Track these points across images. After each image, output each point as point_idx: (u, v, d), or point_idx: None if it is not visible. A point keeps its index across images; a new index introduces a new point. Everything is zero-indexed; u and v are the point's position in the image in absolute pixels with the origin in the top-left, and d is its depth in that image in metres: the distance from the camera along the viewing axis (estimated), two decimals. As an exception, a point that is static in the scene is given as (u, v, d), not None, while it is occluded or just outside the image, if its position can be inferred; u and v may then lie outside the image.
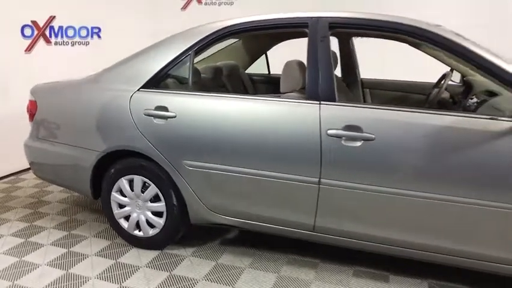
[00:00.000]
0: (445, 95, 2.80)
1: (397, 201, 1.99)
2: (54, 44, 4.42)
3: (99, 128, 2.54)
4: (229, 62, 3.44)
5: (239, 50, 3.60)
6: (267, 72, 3.78)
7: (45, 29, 4.32)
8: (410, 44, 2.53)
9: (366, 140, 1.97)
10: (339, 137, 2.01)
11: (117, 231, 2.70)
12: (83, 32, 4.70)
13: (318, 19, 2.19)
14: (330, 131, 2.02)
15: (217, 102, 2.31)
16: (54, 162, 2.82)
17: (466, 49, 1.93)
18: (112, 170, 2.57)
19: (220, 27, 2.37)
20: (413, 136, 1.93)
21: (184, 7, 5.53)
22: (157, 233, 2.56)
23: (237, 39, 3.46)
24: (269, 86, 3.69)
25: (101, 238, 2.78)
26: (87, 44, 4.75)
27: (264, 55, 3.71)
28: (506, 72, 1.84)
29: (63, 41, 4.51)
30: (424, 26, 2.03)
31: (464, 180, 1.88)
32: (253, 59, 3.71)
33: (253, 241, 2.68)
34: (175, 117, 2.33)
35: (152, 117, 2.37)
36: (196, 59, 2.60)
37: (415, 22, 2.06)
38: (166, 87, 2.48)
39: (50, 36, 4.38)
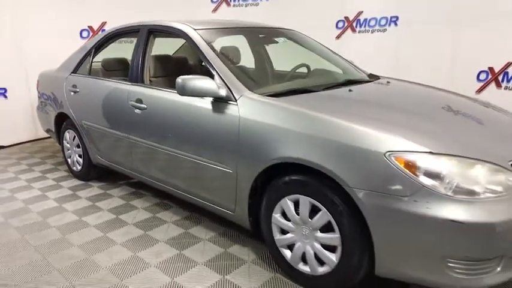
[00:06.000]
0: None
1: (160, 153, 2.86)
2: (105, 42, 6.12)
3: (54, 99, 3.99)
4: (177, 55, 4.50)
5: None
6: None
7: (98, 32, 6.06)
8: None
9: (143, 109, 2.90)
10: (133, 107, 2.98)
11: (67, 166, 4.14)
12: (128, 33, 6.29)
13: (144, 26, 3.16)
14: (130, 102, 3.01)
15: (97, 82, 3.47)
16: (45, 122, 4.41)
17: (195, 45, 2.70)
18: (63, 126, 4.01)
19: (105, 34, 3.54)
20: (162, 107, 2.78)
21: (215, 9, 6.65)
22: (81, 169, 3.90)
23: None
24: None
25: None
26: (131, 42, 6.33)
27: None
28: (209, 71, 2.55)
29: (112, 40, 6.18)
30: (177, 26, 2.87)
31: (185, 141, 2.65)
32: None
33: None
34: (79, 92, 3.60)
35: (71, 92, 3.69)
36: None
37: (178, 25, 2.87)
38: (80, 72, 3.75)
39: (102, 37, 6.11)
